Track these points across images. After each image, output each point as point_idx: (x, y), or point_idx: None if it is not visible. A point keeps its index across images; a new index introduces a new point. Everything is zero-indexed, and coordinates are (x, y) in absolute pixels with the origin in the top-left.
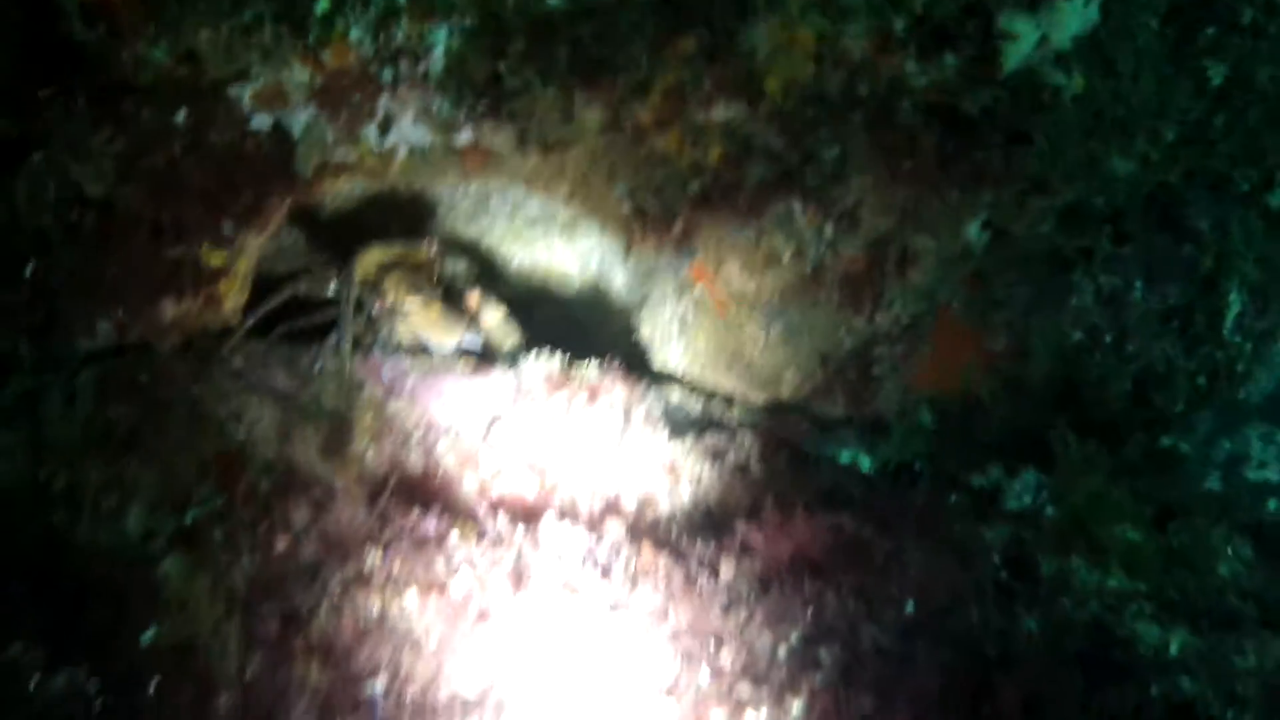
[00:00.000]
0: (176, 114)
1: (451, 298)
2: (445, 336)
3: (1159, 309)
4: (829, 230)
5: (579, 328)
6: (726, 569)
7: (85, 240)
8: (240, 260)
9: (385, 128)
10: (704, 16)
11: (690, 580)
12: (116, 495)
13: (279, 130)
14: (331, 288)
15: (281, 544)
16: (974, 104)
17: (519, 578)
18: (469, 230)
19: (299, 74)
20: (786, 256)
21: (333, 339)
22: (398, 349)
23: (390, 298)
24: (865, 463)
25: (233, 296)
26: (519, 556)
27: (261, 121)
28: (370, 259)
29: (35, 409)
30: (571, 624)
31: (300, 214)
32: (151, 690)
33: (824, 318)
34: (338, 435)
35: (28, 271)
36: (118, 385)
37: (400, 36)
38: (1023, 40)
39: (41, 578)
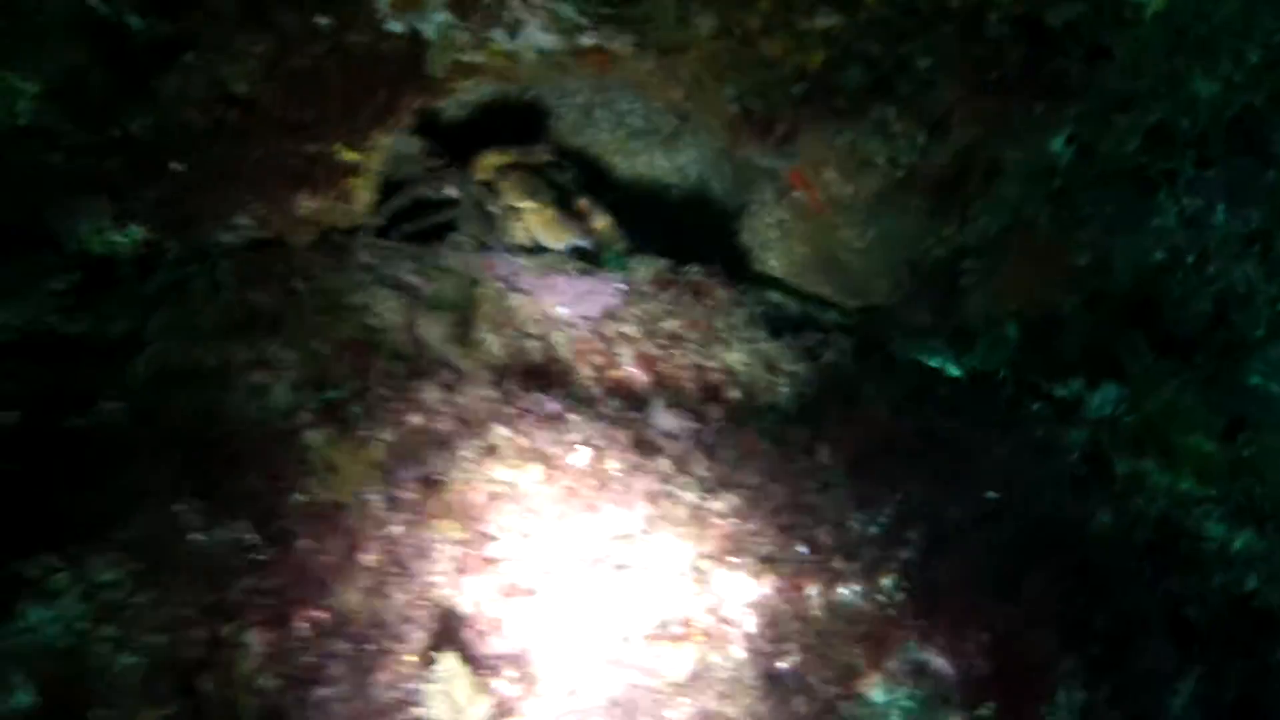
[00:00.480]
0: (319, 17)
1: (562, 202)
2: (558, 238)
3: (1241, 232)
4: (920, 137)
5: (679, 235)
6: (822, 454)
7: (228, 136)
8: (372, 157)
9: (514, 31)
10: None
11: (789, 463)
12: (262, 373)
13: (413, 32)
14: (451, 189)
15: (416, 419)
16: (1057, 17)
17: (632, 454)
18: (575, 141)
19: None
20: (881, 160)
21: (454, 236)
22: (514, 248)
23: (507, 199)
24: (952, 369)
25: (363, 193)
26: (632, 435)
27: (396, 24)
28: (488, 162)
29: (183, 296)
30: (680, 498)
31: (420, 122)
32: (304, 543)
33: (914, 225)
34: (461, 324)
35: (176, 165)
36: (258, 275)
37: None
38: None
39: (198, 446)
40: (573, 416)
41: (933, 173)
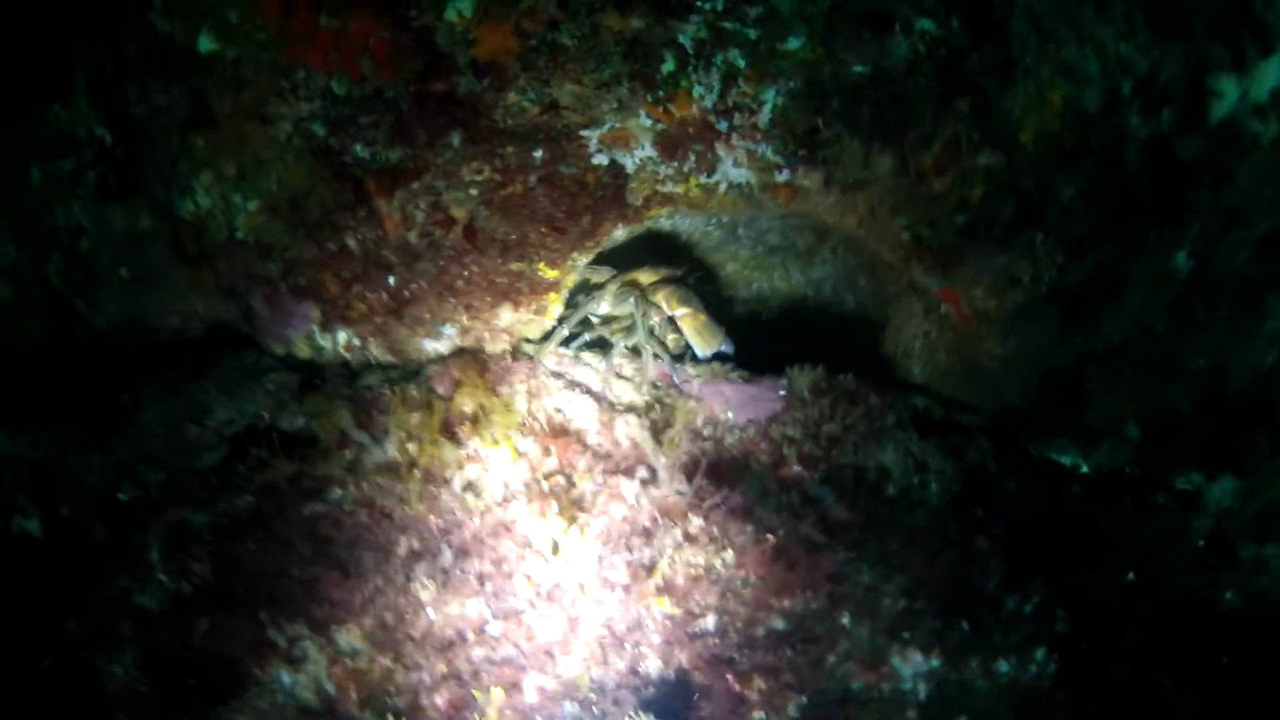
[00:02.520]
0: (535, 151)
1: (709, 312)
2: (708, 344)
3: None
4: (1060, 256)
5: (814, 346)
6: (979, 542)
7: (445, 254)
8: (569, 276)
9: (712, 168)
10: (976, 83)
11: (948, 550)
12: (475, 468)
13: (615, 165)
14: (622, 303)
15: (620, 509)
16: (1186, 150)
17: (812, 541)
18: (717, 256)
19: (644, 120)
20: (1025, 279)
21: (618, 345)
22: (676, 356)
23: (666, 309)
24: (1082, 465)
25: (555, 307)
26: (810, 525)
27: (602, 158)
28: (644, 277)
29: (396, 399)
30: (857, 580)
31: None
32: (530, 618)
33: (1049, 335)
34: (649, 426)
35: (390, 279)
36: (464, 378)
37: (736, 94)
38: (1227, 96)
39: (427, 535)
40: (758, 509)
41: (1069, 289)
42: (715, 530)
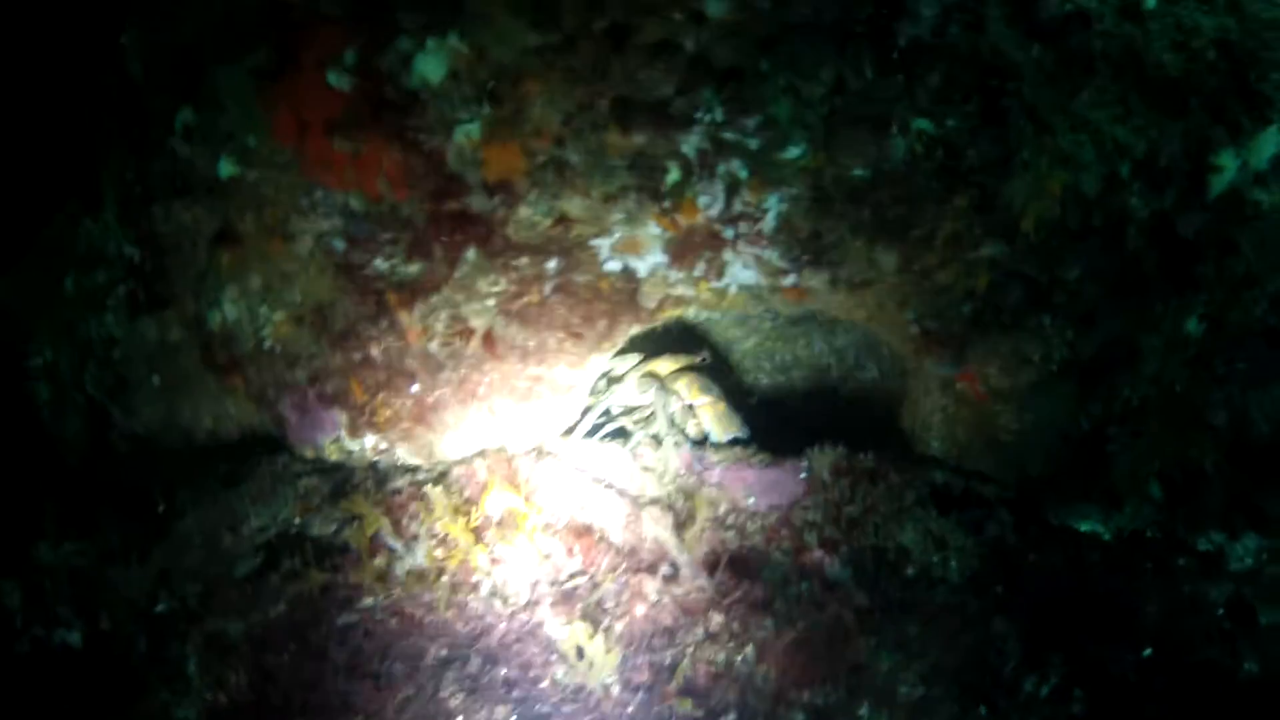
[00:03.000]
0: (549, 262)
1: (726, 399)
2: (726, 430)
3: None
4: (1069, 333)
5: (838, 416)
6: (996, 623)
7: (466, 362)
8: (588, 375)
9: (721, 272)
10: (975, 179)
11: (966, 632)
12: (502, 571)
13: (628, 270)
14: (644, 393)
15: (641, 608)
16: (1188, 227)
17: (832, 630)
18: (736, 332)
19: (653, 229)
20: (1036, 358)
21: (639, 436)
22: (695, 442)
23: (685, 397)
24: (1102, 531)
25: (576, 405)
26: (831, 614)
27: (614, 265)
28: (663, 366)
29: (418, 501)
30: (876, 669)
31: None
32: None
33: (1065, 407)
34: (672, 518)
35: (414, 388)
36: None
37: (740, 203)
38: (1226, 170)
39: (454, 642)
40: (777, 603)
41: (1081, 363)
42: (736, 626)
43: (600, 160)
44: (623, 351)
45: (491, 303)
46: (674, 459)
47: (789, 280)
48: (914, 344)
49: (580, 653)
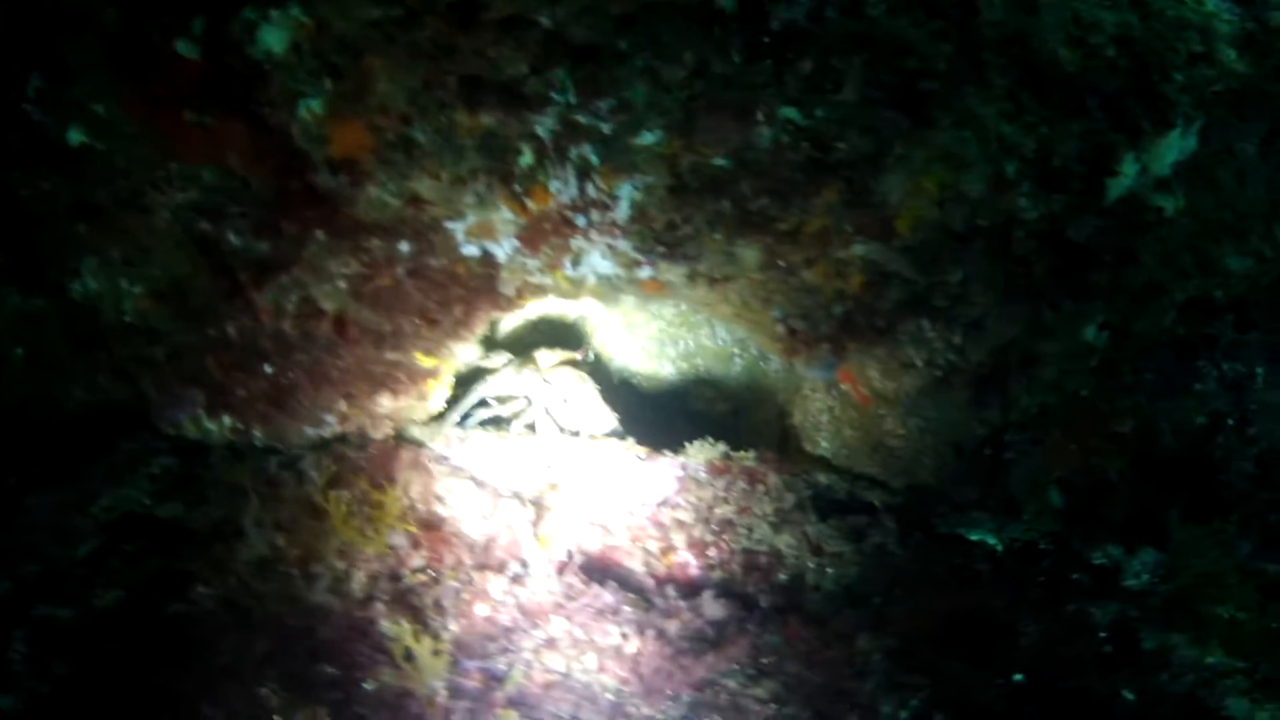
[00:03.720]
0: (401, 243)
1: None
2: (603, 423)
3: None
4: (956, 339)
5: (736, 409)
6: (860, 640)
7: (318, 345)
8: (447, 362)
9: (577, 261)
10: (845, 172)
11: (828, 649)
12: (344, 563)
13: (486, 255)
14: (520, 384)
15: (484, 609)
16: (1079, 232)
17: (680, 642)
18: (640, 314)
19: (505, 214)
20: (919, 363)
21: (515, 426)
22: (571, 434)
23: (562, 390)
24: (993, 541)
25: (437, 393)
26: (682, 624)
27: (471, 249)
28: (543, 358)
29: (271, 487)
30: (723, 686)
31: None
32: None
33: (956, 413)
34: (531, 514)
35: (267, 368)
36: (340, 470)
37: (592, 189)
38: (1124, 176)
39: (283, 636)
40: (626, 608)
41: (970, 368)
42: (579, 632)
43: (449, 141)
44: (501, 345)
45: (343, 284)
46: (545, 450)
47: (645, 272)
48: (782, 344)
49: (409, 654)
